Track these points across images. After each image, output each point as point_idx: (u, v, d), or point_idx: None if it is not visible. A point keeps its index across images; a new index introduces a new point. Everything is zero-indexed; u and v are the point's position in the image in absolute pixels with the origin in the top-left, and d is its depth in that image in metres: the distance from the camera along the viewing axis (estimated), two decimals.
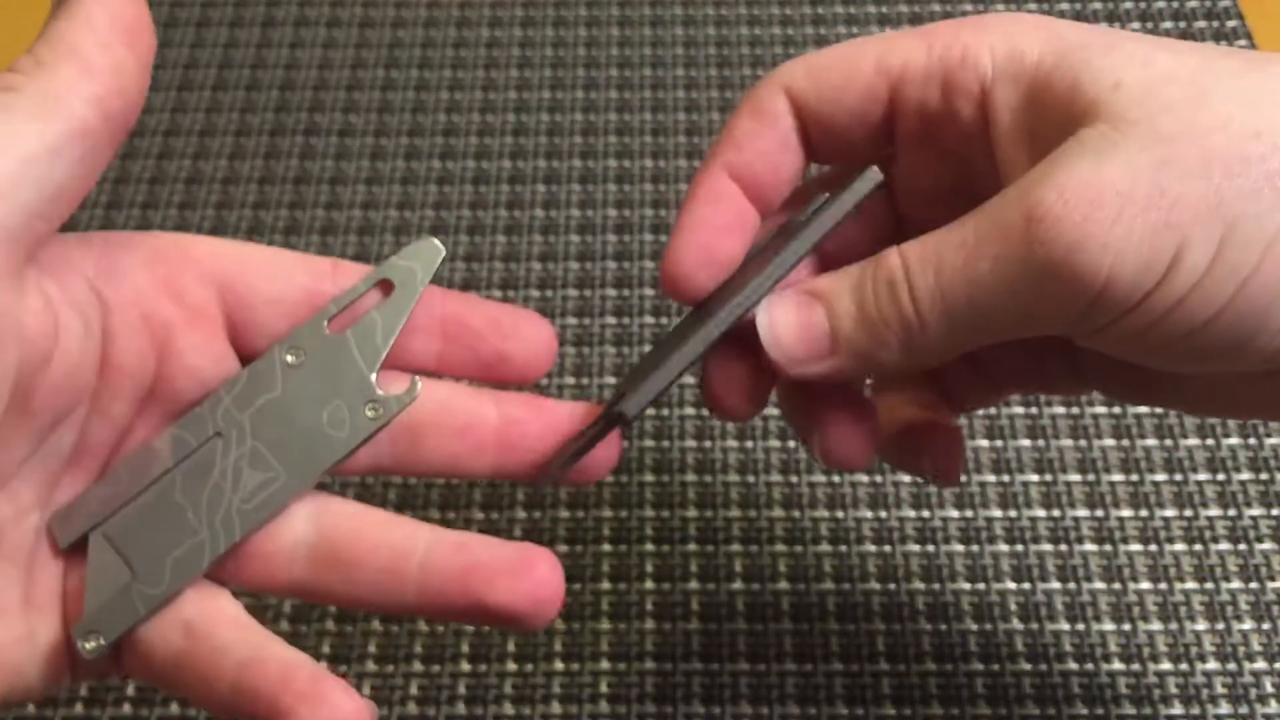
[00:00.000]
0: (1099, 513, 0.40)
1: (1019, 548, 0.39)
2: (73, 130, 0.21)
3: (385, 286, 0.25)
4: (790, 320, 0.24)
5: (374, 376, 0.25)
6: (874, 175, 0.24)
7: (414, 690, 0.37)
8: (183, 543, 0.24)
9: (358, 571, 0.24)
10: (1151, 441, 0.41)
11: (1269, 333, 0.20)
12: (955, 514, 0.40)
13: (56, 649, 0.23)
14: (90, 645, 0.23)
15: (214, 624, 0.24)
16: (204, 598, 0.24)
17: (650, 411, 0.42)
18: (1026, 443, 0.41)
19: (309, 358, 0.25)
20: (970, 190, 0.25)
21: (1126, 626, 0.38)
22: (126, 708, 0.37)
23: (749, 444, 0.42)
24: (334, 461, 0.24)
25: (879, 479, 0.41)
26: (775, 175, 0.26)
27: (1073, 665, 0.37)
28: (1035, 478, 0.41)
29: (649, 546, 0.40)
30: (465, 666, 0.37)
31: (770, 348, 0.24)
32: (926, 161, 0.25)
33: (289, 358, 0.25)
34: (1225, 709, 0.36)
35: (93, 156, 0.21)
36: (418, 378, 0.25)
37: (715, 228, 0.25)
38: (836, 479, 0.41)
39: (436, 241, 0.26)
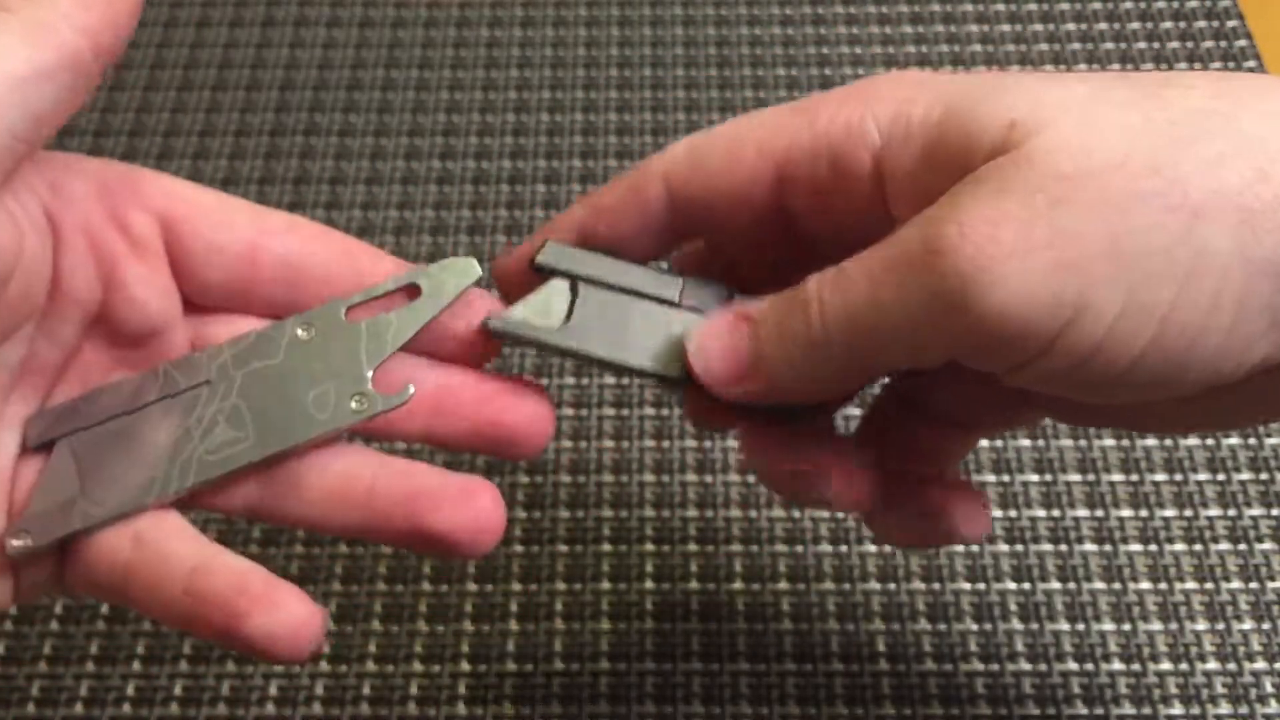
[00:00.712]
0: (1099, 513, 0.40)
1: (1019, 548, 0.39)
2: (62, 58, 0.21)
3: (413, 291, 0.26)
4: (718, 344, 0.24)
5: (370, 372, 0.25)
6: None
7: (414, 690, 0.37)
8: (136, 475, 0.24)
9: (307, 492, 0.25)
10: (1151, 441, 0.41)
11: (1199, 365, 0.20)
12: None
13: None
14: (17, 543, 0.23)
15: (163, 535, 0.24)
16: (154, 514, 0.24)
17: (650, 411, 0.42)
18: (1026, 443, 0.41)
19: (317, 336, 0.25)
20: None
21: (1126, 626, 0.38)
22: (126, 708, 0.37)
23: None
24: (304, 441, 0.25)
25: None
26: (619, 245, 0.26)
27: (1073, 665, 0.37)
28: (1035, 478, 0.41)
29: (649, 546, 0.40)
30: (465, 666, 0.37)
31: (699, 370, 0.24)
32: (825, 232, 0.25)
33: (300, 331, 0.25)
34: (1225, 709, 0.36)
35: (79, 86, 0.22)
36: (411, 385, 0.25)
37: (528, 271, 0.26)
38: None
39: (475, 263, 0.26)
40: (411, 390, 0.25)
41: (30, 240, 0.22)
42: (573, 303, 0.26)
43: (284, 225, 0.26)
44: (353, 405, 0.25)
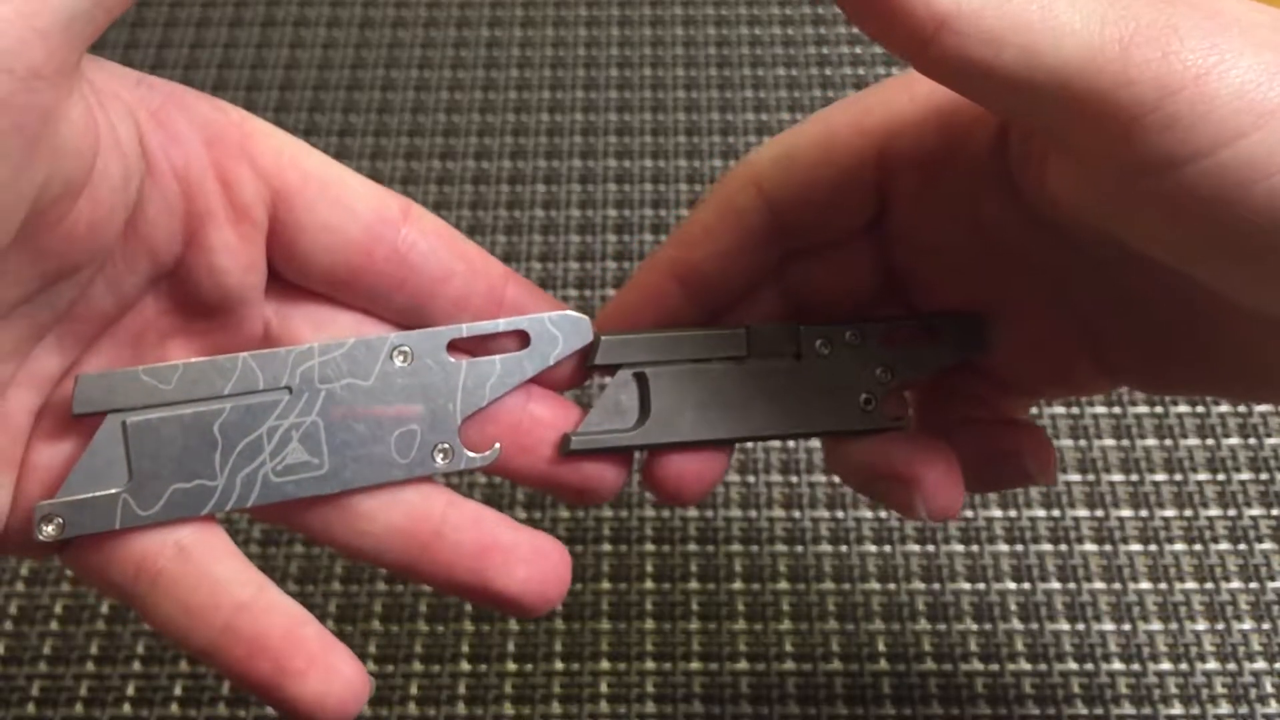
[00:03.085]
0: (1099, 513, 0.40)
1: (1019, 548, 0.39)
2: None
3: (522, 338, 0.24)
4: None
5: (461, 422, 0.23)
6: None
7: (414, 690, 0.37)
8: (195, 478, 0.22)
9: (367, 523, 0.23)
10: (1151, 441, 0.41)
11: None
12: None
13: None
14: (48, 529, 0.21)
15: (210, 553, 0.22)
16: (198, 523, 0.22)
17: None
18: None
19: (414, 368, 0.23)
20: (978, 233, 0.24)
21: (1126, 626, 0.38)
22: (126, 708, 0.37)
23: (749, 444, 0.42)
24: (378, 483, 0.23)
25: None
26: (726, 278, 0.25)
27: (1073, 665, 0.37)
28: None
29: (649, 546, 0.40)
30: (465, 666, 0.37)
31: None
32: (926, 215, 0.24)
33: (397, 358, 0.23)
34: (1225, 709, 0.36)
35: None
36: (499, 444, 0.24)
37: (637, 326, 0.25)
38: (836, 479, 0.41)
39: (589, 323, 0.24)
40: (498, 449, 0.24)
41: (112, 162, 0.19)
42: (644, 393, 0.24)
43: (401, 212, 0.23)
44: (437, 458, 0.23)
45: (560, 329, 0.24)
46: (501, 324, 0.24)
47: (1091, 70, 0.17)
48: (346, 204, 0.22)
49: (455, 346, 0.24)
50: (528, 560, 0.23)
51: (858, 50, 0.53)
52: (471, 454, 0.23)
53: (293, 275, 0.23)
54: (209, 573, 0.22)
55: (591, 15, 0.55)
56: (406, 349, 0.23)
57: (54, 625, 0.38)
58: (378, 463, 0.23)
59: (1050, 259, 0.24)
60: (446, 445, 0.23)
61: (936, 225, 0.24)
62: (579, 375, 0.25)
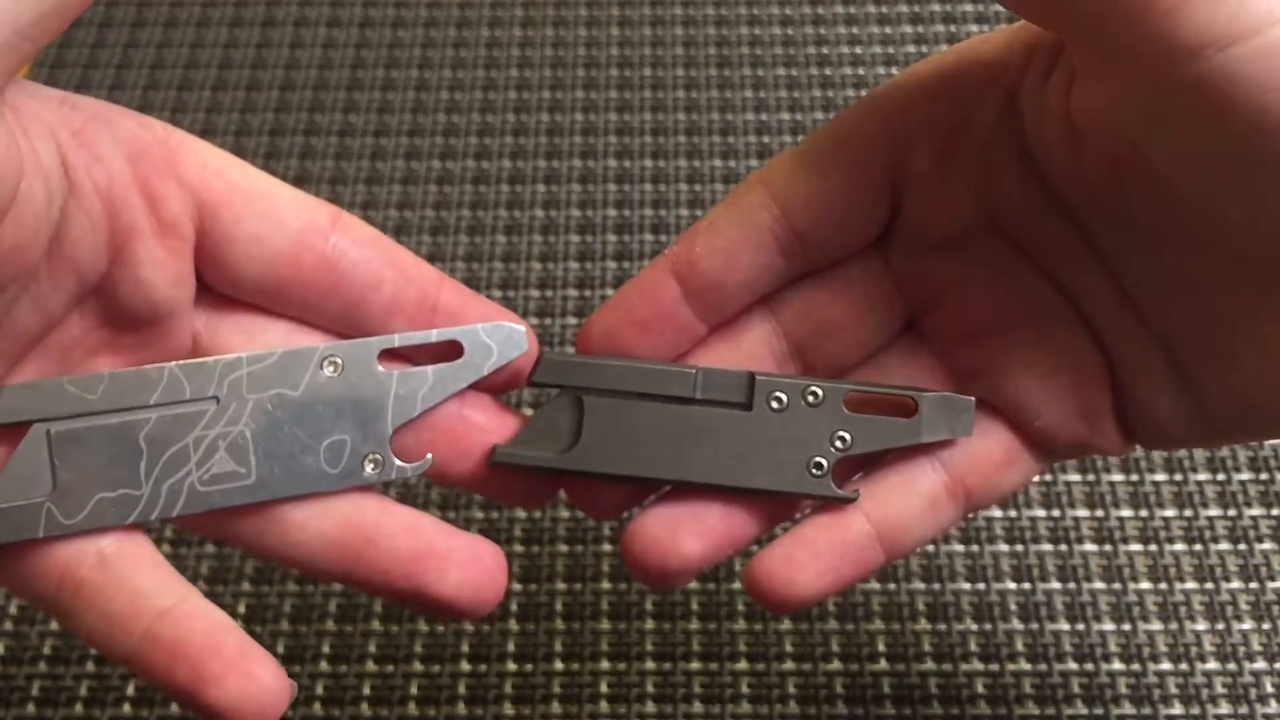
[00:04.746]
0: (1099, 513, 0.40)
1: (1019, 548, 0.39)
2: None
3: (455, 349, 0.24)
4: None
5: (392, 432, 0.23)
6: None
7: (414, 690, 0.37)
8: (119, 488, 0.22)
9: (297, 533, 0.23)
10: None
11: None
12: None
13: None
14: None
15: (132, 562, 0.22)
16: (122, 532, 0.22)
17: None
18: None
19: (343, 377, 0.23)
20: (994, 208, 0.23)
21: (1126, 626, 0.38)
22: (126, 708, 0.37)
23: None
24: (304, 493, 0.23)
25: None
26: (724, 278, 0.24)
27: (1073, 665, 0.37)
28: (1036, 478, 0.41)
29: None
30: (465, 666, 0.37)
31: None
32: (940, 200, 0.24)
33: (327, 368, 0.23)
34: (1225, 709, 0.36)
35: None
36: (430, 455, 0.24)
37: (631, 322, 0.24)
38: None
39: (524, 333, 0.24)
40: (429, 459, 0.24)
41: (36, 185, 0.19)
42: (579, 418, 0.24)
43: (330, 221, 0.23)
44: (368, 470, 0.23)
45: (494, 339, 0.24)
46: (434, 335, 0.24)
47: None
48: (275, 215, 0.23)
49: (388, 356, 0.24)
50: (462, 565, 0.23)
51: (858, 50, 0.53)
52: (402, 464, 0.23)
53: (223, 287, 0.23)
54: (130, 581, 0.22)
55: (591, 15, 0.55)
56: (337, 359, 0.23)
57: (54, 625, 0.38)
58: (307, 473, 0.23)
59: (1065, 251, 0.24)
60: (378, 455, 0.23)
61: (950, 212, 0.24)
62: (517, 380, 0.25)
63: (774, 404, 0.24)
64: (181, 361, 0.23)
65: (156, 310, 0.22)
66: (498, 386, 0.25)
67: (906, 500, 0.25)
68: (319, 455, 0.23)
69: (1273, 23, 0.17)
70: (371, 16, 0.56)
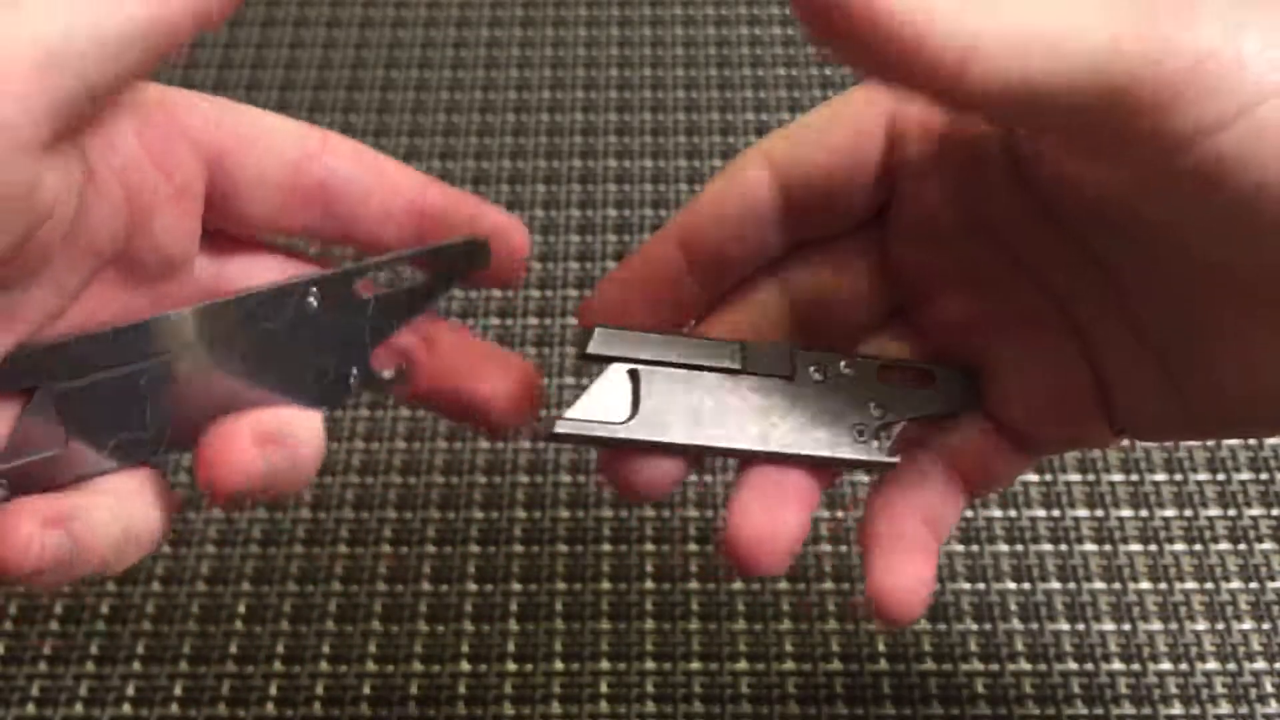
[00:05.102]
0: (1099, 513, 0.40)
1: (1019, 548, 0.39)
2: (192, 11, 0.19)
3: (426, 263, 0.25)
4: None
5: (371, 352, 0.25)
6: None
7: (414, 690, 0.37)
8: (126, 432, 0.23)
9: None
10: (1151, 441, 0.41)
11: None
12: None
13: None
14: None
15: (135, 492, 0.23)
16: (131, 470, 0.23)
17: None
18: None
19: (325, 307, 0.24)
20: (983, 210, 0.24)
21: (1126, 626, 0.38)
22: (126, 708, 0.36)
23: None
24: (293, 403, 0.24)
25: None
26: (729, 249, 0.24)
27: (1073, 665, 0.37)
28: (1036, 478, 0.41)
29: (649, 547, 0.40)
30: (465, 666, 0.37)
31: None
32: (933, 194, 0.24)
33: (310, 299, 0.24)
34: (1225, 709, 0.36)
35: (170, 50, 0.19)
36: (404, 365, 0.25)
37: (637, 293, 0.25)
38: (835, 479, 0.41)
39: (488, 245, 0.25)
40: (403, 367, 0.25)
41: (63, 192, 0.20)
42: (636, 390, 0.24)
43: (320, 144, 0.24)
44: (350, 384, 0.25)
45: (462, 252, 0.25)
46: (407, 254, 0.25)
47: (1119, 55, 0.17)
48: (275, 150, 0.23)
49: (366, 279, 0.25)
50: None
51: None
52: (385, 373, 0.25)
53: (230, 227, 0.24)
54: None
55: (591, 15, 0.55)
56: (318, 290, 0.24)
57: (54, 625, 0.38)
58: (296, 385, 0.24)
59: (1053, 255, 0.24)
60: (359, 372, 0.25)
61: (942, 208, 0.24)
62: (509, 277, 0.26)
63: (815, 375, 0.25)
64: (175, 311, 0.23)
65: (171, 265, 0.23)
66: (493, 283, 0.26)
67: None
68: (306, 375, 0.24)
69: (1259, 100, 0.17)
70: (371, 16, 0.56)
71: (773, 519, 0.24)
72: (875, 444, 0.25)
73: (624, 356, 0.24)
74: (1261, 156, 0.17)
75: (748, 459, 0.25)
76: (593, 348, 0.24)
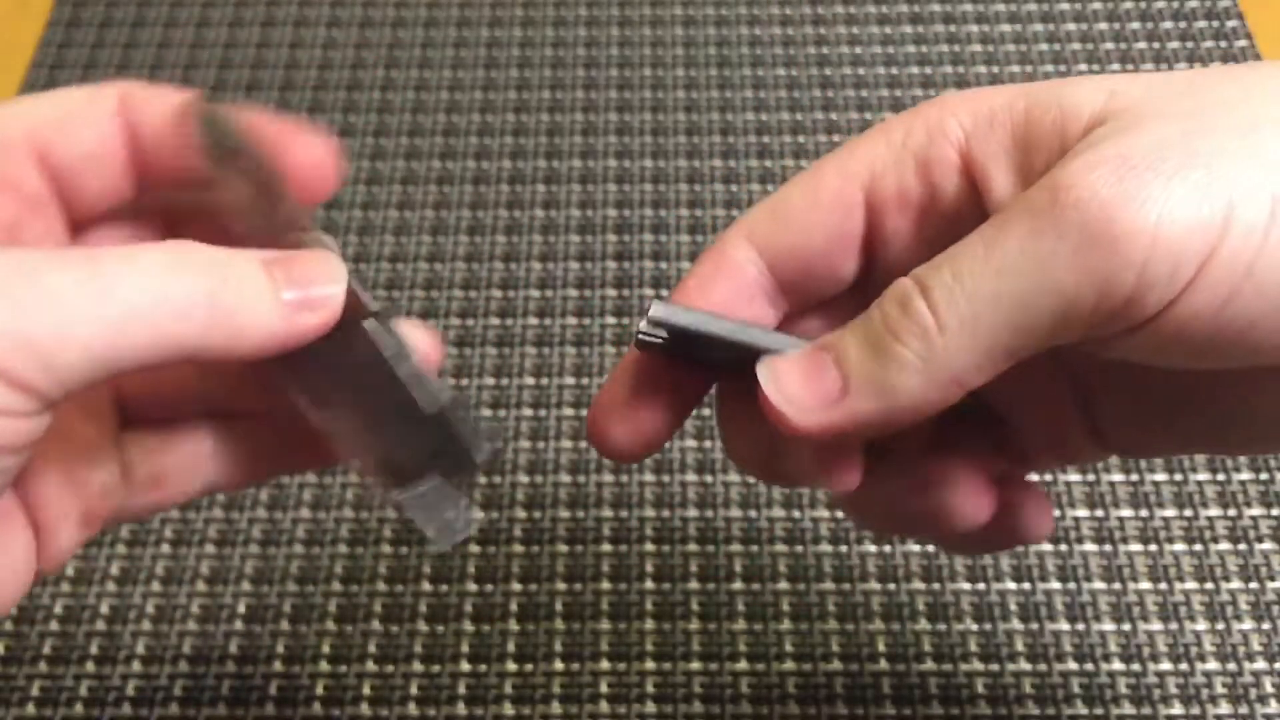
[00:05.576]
0: (1099, 513, 0.40)
1: (1019, 548, 0.39)
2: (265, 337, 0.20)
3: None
4: (794, 366, 0.22)
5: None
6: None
7: (414, 690, 0.37)
8: None
9: None
10: None
11: None
12: None
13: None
14: None
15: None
16: None
17: None
18: None
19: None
20: None
21: (1126, 626, 0.38)
22: (126, 708, 0.37)
23: None
24: None
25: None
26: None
27: (1073, 665, 0.37)
28: (1035, 477, 0.41)
29: (649, 546, 0.40)
30: (465, 666, 0.37)
31: (773, 397, 0.21)
32: (913, 256, 0.24)
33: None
34: (1225, 709, 0.36)
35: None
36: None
37: (640, 393, 0.24)
38: None
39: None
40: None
41: None
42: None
43: (120, 101, 0.23)
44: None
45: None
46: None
47: (1077, 301, 0.18)
48: (91, 121, 0.23)
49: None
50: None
51: (857, 50, 0.53)
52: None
53: (87, 211, 0.23)
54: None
55: (591, 15, 0.55)
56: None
57: (54, 625, 0.38)
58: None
59: None
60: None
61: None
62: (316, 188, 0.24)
63: None
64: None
65: None
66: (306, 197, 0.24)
67: None
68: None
69: (1187, 288, 0.18)
70: (371, 16, 0.56)
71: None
72: None
73: (685, 328, 0.23)
74: (1210, 327, 0.18)
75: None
76: (653, 314, 0.23)
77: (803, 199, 0.23)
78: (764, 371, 0.21)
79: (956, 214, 0.23)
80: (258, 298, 0.20)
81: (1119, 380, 0.24)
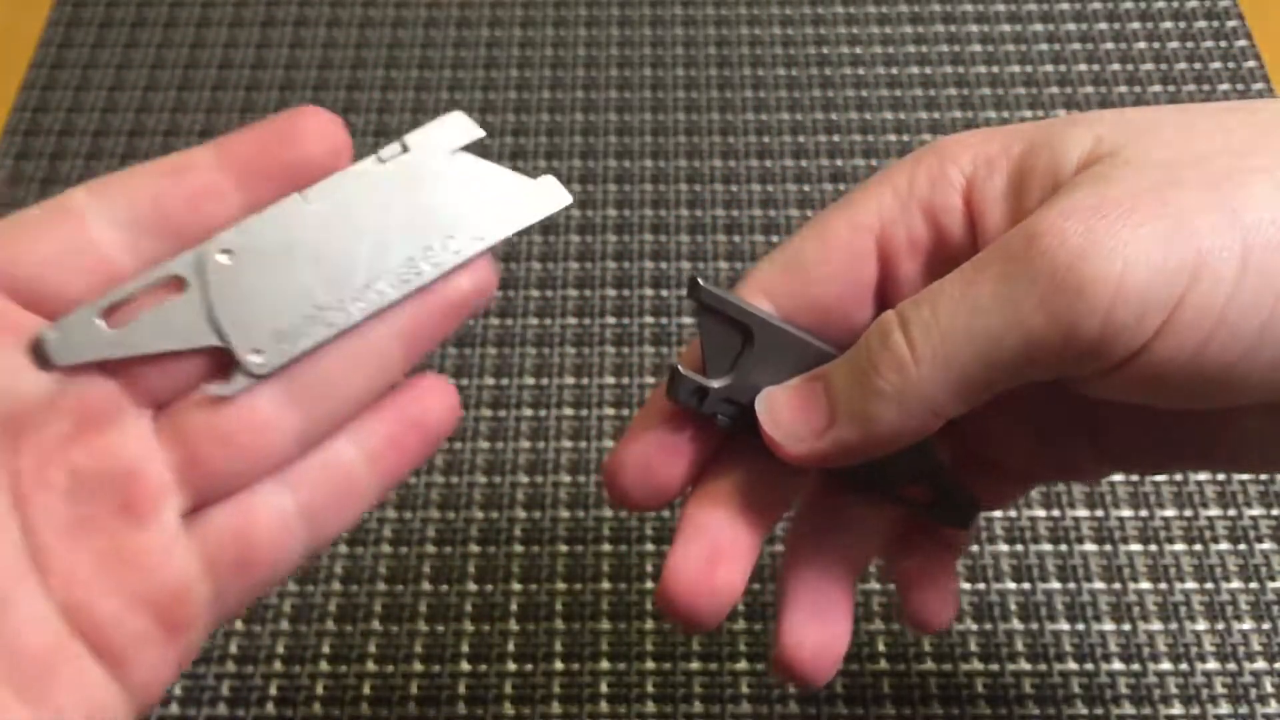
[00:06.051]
0: (1099, 513, 0.40)
1: (1019, 548, 0.39)
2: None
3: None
4: (788, 397, 0.23)
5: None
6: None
7: (414, 690, 0.37)
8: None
9: None
10: None
11: None
12: None
13: None
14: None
15: None
16: None
17: None
18: None
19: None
20: None
21: (1126, 626, 0.38)
22: None
23: None
24: None
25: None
26: None
27: (1073, 665, 0.37)
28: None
29: (649, 546, 0.40)
30: (465, 666, 0.37)
31: (768, 427, 0.22)
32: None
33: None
34: (1225, 709, 0.36)
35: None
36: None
37: (659, 443, 0.24)
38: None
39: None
40: None
41: None
42: (740, 354, 0.23)
43: (86, 197, 0.20)
44: None
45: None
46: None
47: (1045, 335, 0.19)
48: (62, 244, 0.20)
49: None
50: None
51: (857, 50, 0.53)
52: None
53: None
54: None
55: (591, 15, 0.55)
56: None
57: None
58: None
59: None
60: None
61: None
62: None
63: None
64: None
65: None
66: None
67: None
68: None
69: (1156, 335, 0.19)
70: (371, 16, 0.56)
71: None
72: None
73: (733, 315, 0.23)
74: (1189, 365, 0.19)
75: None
76: (701, 295, 0.23)
77: (815, 252, 0.24)
78: (761, 402, 0.23)
79: (963, 256, 0.23)
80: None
81: (1121, 408, 0.24)
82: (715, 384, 0.23)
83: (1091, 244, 0.18)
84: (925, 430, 0.21)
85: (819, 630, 0.24)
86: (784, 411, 0.23)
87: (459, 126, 0.21)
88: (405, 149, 0.21)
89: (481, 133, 0.22)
